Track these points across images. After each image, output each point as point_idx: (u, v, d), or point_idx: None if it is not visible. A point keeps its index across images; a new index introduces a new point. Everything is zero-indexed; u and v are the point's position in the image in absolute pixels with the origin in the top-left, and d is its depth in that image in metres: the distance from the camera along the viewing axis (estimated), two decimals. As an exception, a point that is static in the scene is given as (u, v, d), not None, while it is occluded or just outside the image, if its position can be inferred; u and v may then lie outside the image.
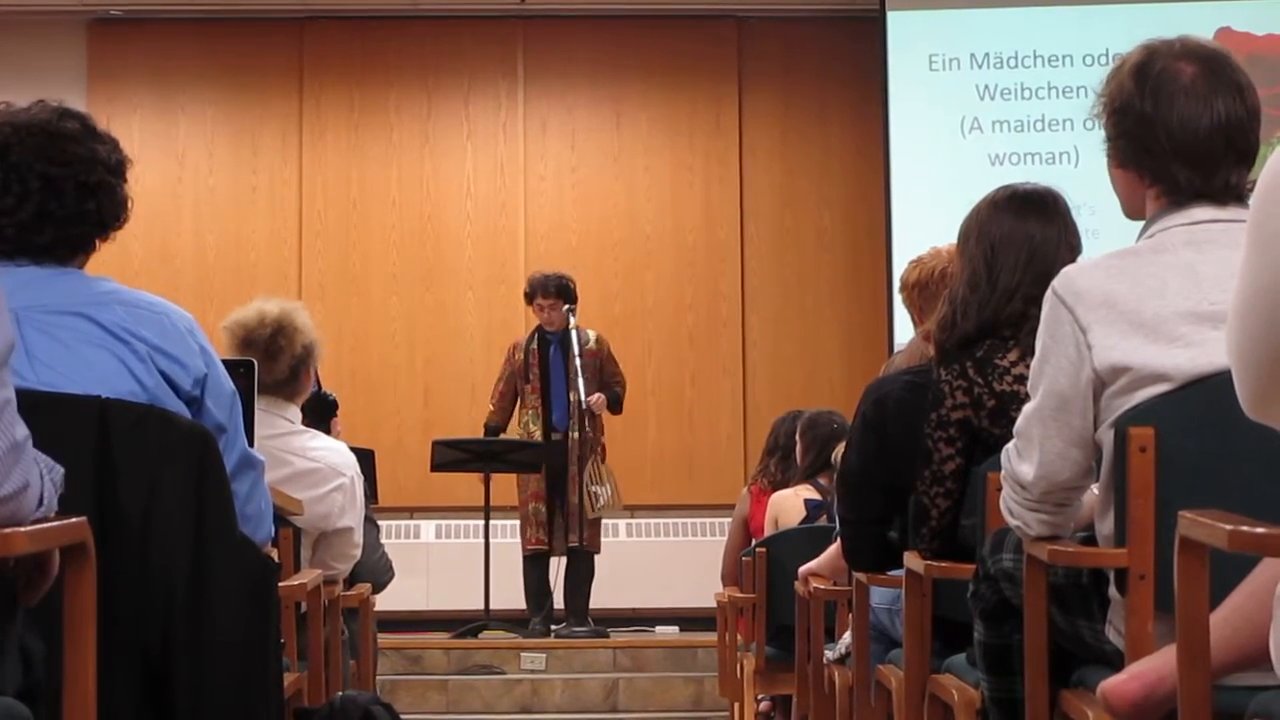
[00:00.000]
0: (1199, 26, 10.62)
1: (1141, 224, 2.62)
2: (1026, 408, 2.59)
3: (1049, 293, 2.55)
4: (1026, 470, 2.56)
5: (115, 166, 2.80)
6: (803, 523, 6.28)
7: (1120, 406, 2.45)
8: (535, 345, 9.18)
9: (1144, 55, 2.58)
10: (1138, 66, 2.57)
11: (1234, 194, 2.54)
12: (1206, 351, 2.40)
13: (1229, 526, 1.79)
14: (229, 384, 2.82)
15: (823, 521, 6.07)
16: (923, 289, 3.96)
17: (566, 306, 9.07)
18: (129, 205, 2.83)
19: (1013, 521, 2.62)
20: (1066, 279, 2.53)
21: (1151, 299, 2.47)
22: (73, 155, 2.73)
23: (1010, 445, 2.63)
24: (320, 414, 5.50)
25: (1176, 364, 2.41)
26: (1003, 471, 2.65)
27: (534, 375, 9.14)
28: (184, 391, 2.69)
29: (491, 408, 9.31)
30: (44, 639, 2.09)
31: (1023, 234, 3.30)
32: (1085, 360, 2.47)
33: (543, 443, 9.05)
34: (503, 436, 9.30)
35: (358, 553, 4.68)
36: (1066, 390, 2.50)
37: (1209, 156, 2.52)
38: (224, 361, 2.88)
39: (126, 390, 2.57)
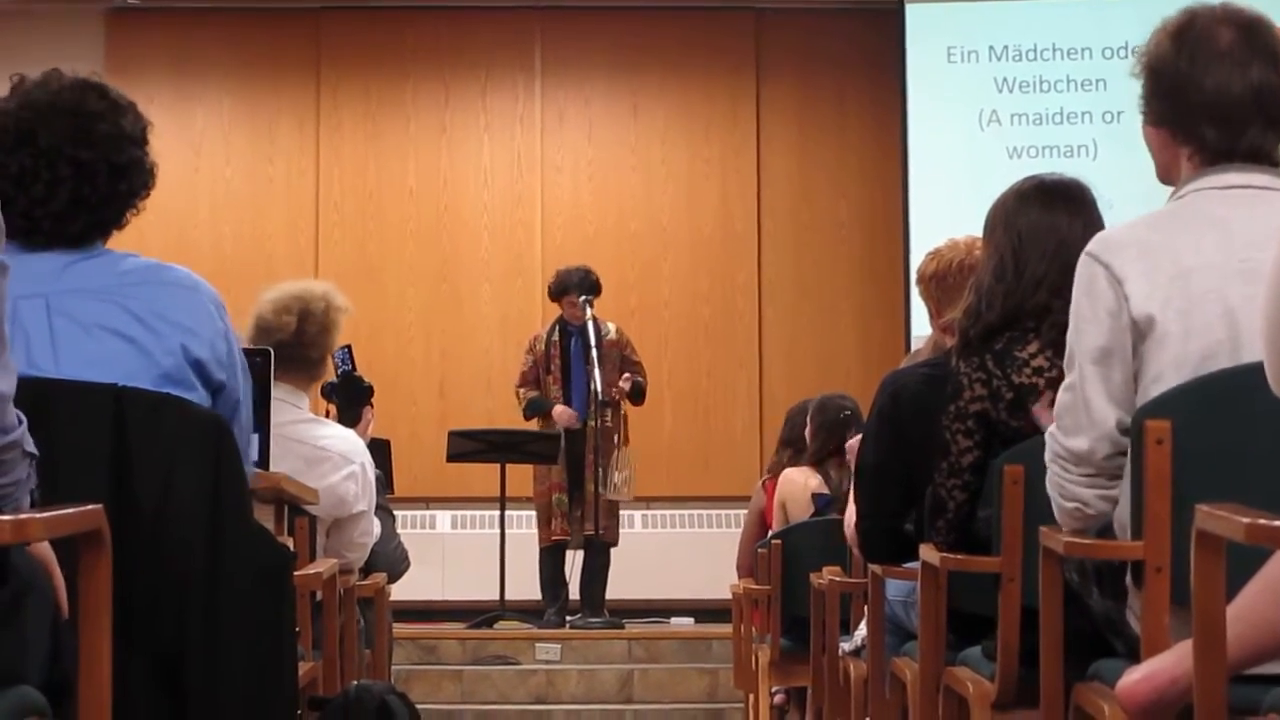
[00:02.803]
0: (1218, 19, 10.56)
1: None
2: (1065, 384, 2.59)
3: (1083, 257, 2.57)
4: (1081, 442, 2.55)
5: (139, 137, 2.74)
6: (812, 517, 6.29)
7: (1145, 368, 2.48)
8: (557, 337, 9.20)
9: (1185, 17, 2.62)
10: (1178, 28, 2.62)
11: (1264, 158, 2.57)
12: (1234, 312, 2.44)
13: (1246, 520, 1.78)
14: (244, 364, 2.80)
15: (833, 515, 6.08)
16: (940, 281, 3.94)
17: (584, 298, 9.08)
18: (155, 171, 2.78)
19: (1068, 505, 2.59)
20: (1101, 239, 2.57)
21: (1187, 252, 2.49)
22: (101, 135, 2.67)
23: (1051, 429, 2.62)
24: (356, 399, 5.50)
25: (1205, 322, 2.45)
26: (1049, 456, 2.62)
27: (555, 366, 9.16)
28: (214, 378, 2.67)
29: (524, 390, 9.25)
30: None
31: (1050, 225, 3.28)
32: (1123, 310, 2.49)
33: (558, 434, 9.06)
34: (524, 428, 9.34)
35: (369, 540, 4.69)
36: (1108, 343, 2.51)
37: (1238, 118, 2.56)
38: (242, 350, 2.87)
39: (149, 383, 2.56)
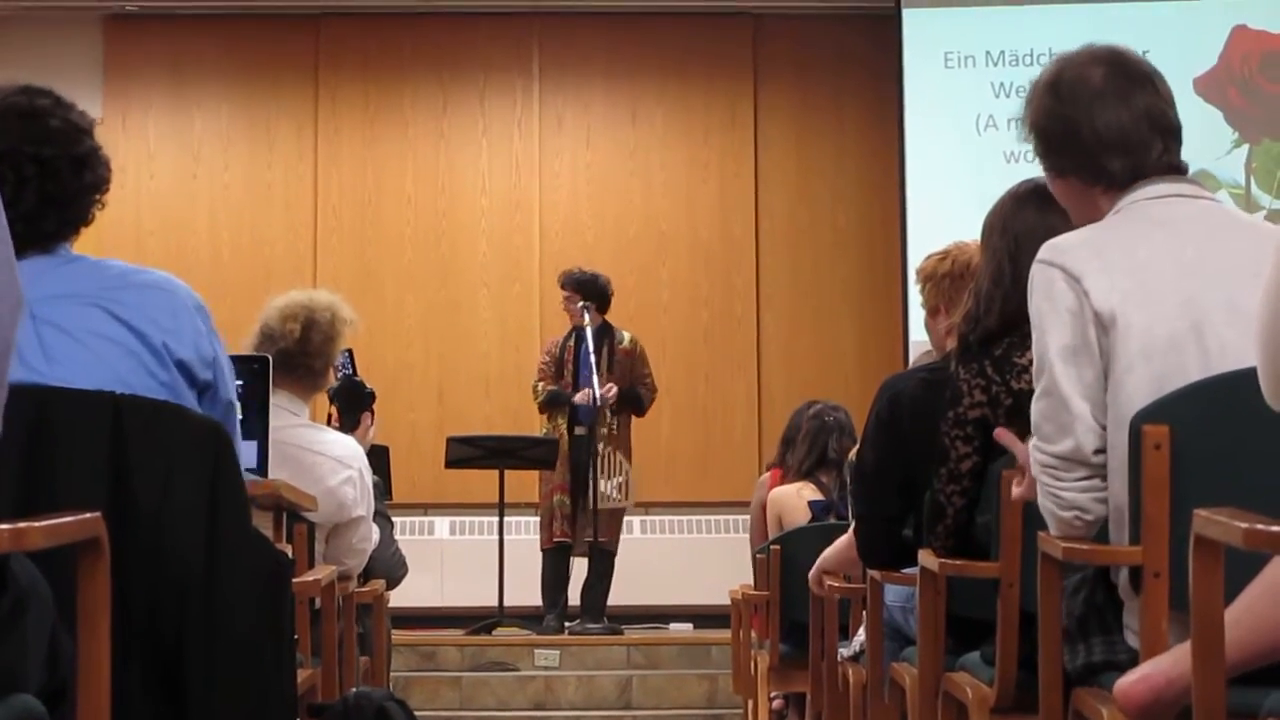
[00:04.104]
0: (1214, 24, 10.56)
1: None
2: (1038, 394, 2.58)
3: (1034, 266, 2.61)
4: (1069, 442, 2.53)
5: (90, 128, 2.73)
6: (810, 523, 6.30)
7: (1114, 361, 2.50)
8: (571, 342, 9.20)
9: (1053, 70, 2.75)
10: (1050, 81, 2.73)
11: (1179, 170, 2.67)
12: (1192, 300, 2.49)
13: (1244, 524, 1.78)
14: (229, 366, 2.80)
15: (831, 520, 6.09)
16: (955, 280, 3.91)
17: (582, 304, 9.08)
18: (110, 165, 2.77)
19: (1066, 514, 2.55)
20: (1049, 246, 2.62)
21: (1139, 248, 2.56)
22: (56, 131, 2.67)
23: (1034, 443, 2.60)
24: (357, 404, 5.51)
25: (1166, 311, 2.48)
26: (1036, 469, 2.59)
27: (568, 371, 9.16)
28: (199, 377, 2.68)
29: (543, 384, 9.18)
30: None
31: (1046, 227, 3.27)
32: (1084, 305, 2.52)
33: (555, 440, 9.06)
34: (523, 434, 9.36)
35: (368, 546, 4.69)
36: (1074, 341, 2.53)
37: (1137, 144, 2.65)
38: (238, 356, 2.87)
39: (142, 387, 2.56)
